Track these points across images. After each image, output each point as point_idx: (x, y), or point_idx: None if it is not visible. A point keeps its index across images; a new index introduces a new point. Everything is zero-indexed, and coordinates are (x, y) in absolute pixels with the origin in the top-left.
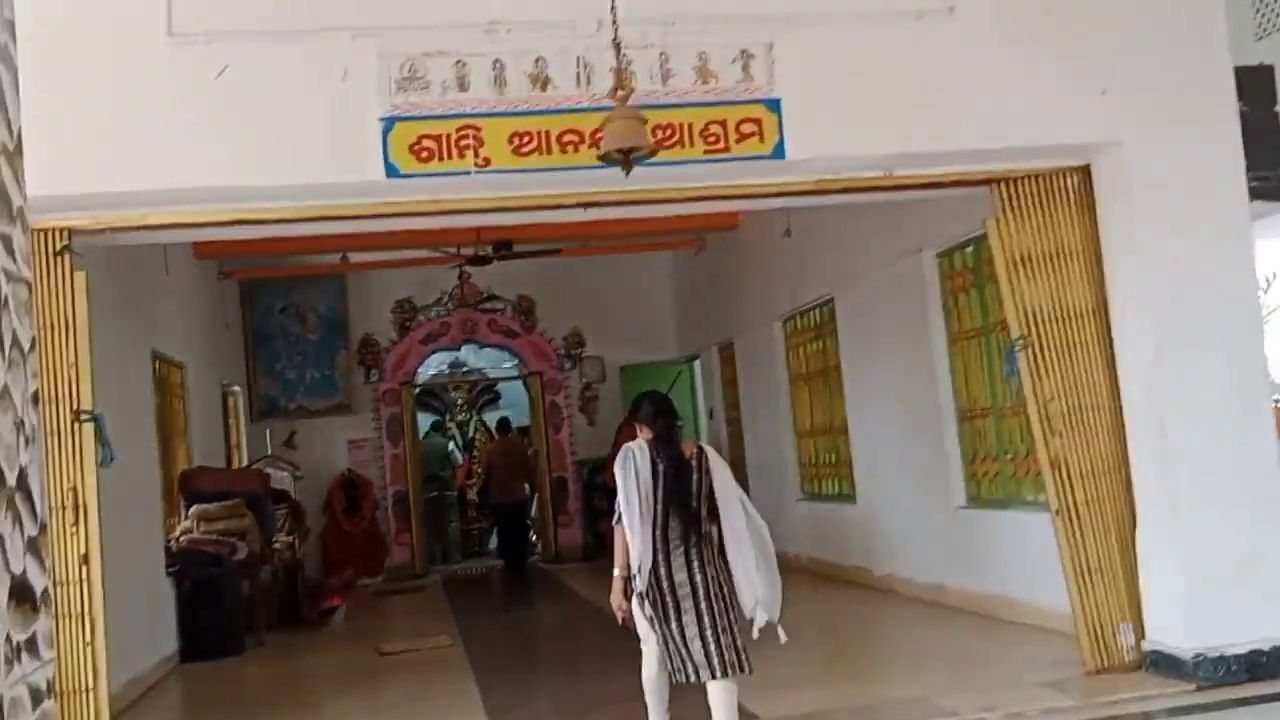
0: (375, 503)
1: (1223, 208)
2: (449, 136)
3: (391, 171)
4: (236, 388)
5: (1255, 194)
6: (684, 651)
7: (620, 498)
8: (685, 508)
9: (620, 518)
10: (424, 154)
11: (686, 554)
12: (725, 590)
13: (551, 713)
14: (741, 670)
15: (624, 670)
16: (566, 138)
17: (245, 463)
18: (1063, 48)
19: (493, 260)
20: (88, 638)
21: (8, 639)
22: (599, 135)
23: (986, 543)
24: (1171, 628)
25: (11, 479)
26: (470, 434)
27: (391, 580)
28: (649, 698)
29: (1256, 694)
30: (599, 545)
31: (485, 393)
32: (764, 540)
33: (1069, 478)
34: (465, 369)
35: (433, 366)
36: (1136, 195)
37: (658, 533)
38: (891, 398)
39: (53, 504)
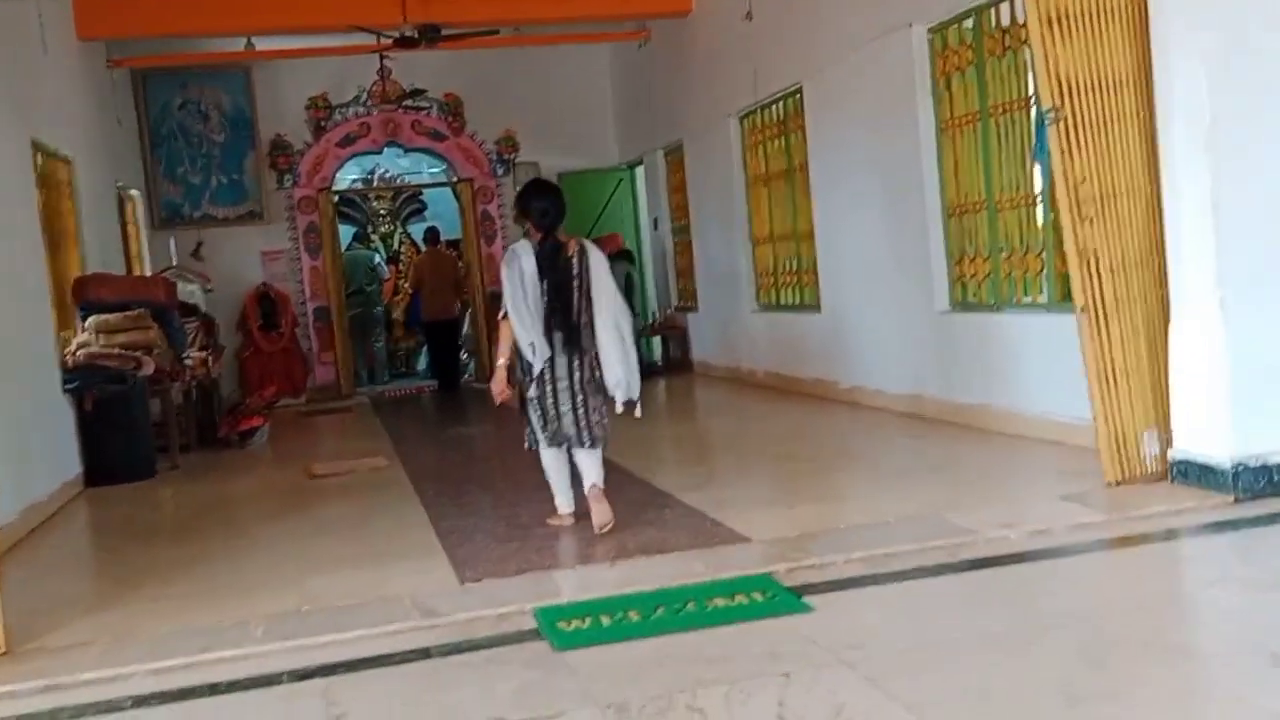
0: (295, 319)
1: None
2: None
3: None
4: (134, 191)
5: None
6: (557, 423)
7: (506, 296)
8: (566, 307)
9: (506, 313)
10: None
11: (567, 348)
12: (595, 376)
13: (506, 532)
14: (603, 444)
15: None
16: None
17: (147, 274)
18: None
19: (420, 45)
20: None
21: None
22: None
23: (972, 349)
24: (1207, 434)
25: None
26: (395, 247)
27: (316, 401)
28: (551, 478)
29: None
30: None
31: (410, 201)
32: (626, 332)
33: (1098, 271)
34: (388, 175)
35: (352, 172)
36: None
37: (544, 327)
38: (867, 196)
39: None
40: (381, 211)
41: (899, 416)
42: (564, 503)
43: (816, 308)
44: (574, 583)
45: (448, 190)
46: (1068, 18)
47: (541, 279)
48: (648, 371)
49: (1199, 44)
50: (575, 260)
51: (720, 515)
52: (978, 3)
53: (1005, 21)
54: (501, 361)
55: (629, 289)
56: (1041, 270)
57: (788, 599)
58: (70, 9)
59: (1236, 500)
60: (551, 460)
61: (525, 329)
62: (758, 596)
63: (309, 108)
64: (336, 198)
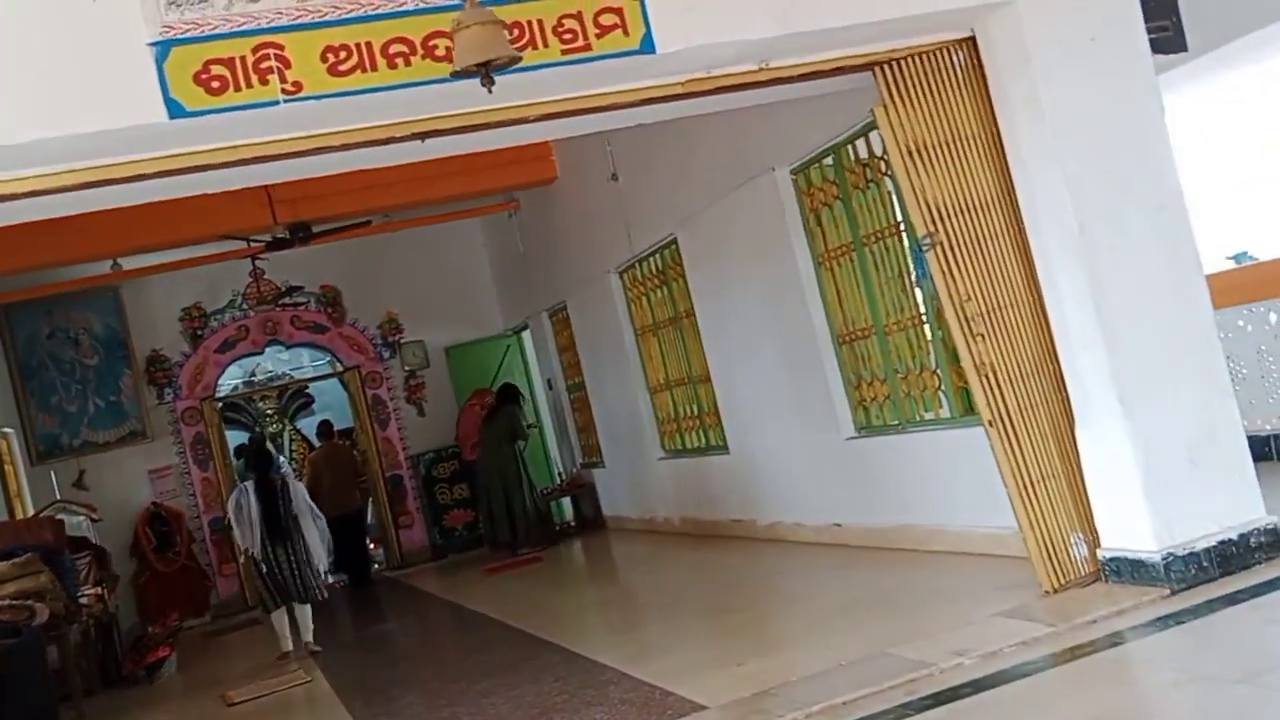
0: (190, 535)
1: (1124, 64)
2: (244, 60)
3: (175, 110)
4: (8, 429)
5: (1155, 47)
6: (280, 592)
7: (233, 526)
8: (276, 522)
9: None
10: (214, 84)
11: (279, 546)
12: (302, 557)
13: None
14: (313, 599)
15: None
16: (393, 49)
17: (30, 512)
18: None
19: (293, 244)
20: None
21: None
22: (434, 42)
23: (885, 472)
24: (1131, 530)
25: None
26: (286, 445)
27: (222, 618)
28: (277, 627)
29: (1235, 588)
30: (447, 540)
31: (296, 396)
32: (320, 528)
33: (998, 384)
34: (271, 374)
35: (234, 376)
36: (1030, 63)
37: (264, 536)
38: (757, 333)
39: None
40: (268, 411)
41: (823, 548)
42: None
43: (724, 448)
44: None
45: (334, 380)
46: (927, 149)
47: (261, 507)
48: (559, 533)
49: (1060, 169)
50: (279, 488)
51: (668, 684)
52: (834, 141)
53: (864, 155)
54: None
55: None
56: (939, 386)
57: None
58: None
59: (1173, 592)
60: (273, 616)
61: (250, 542)
62: None
63: (183, 318)
64: (220, 404)
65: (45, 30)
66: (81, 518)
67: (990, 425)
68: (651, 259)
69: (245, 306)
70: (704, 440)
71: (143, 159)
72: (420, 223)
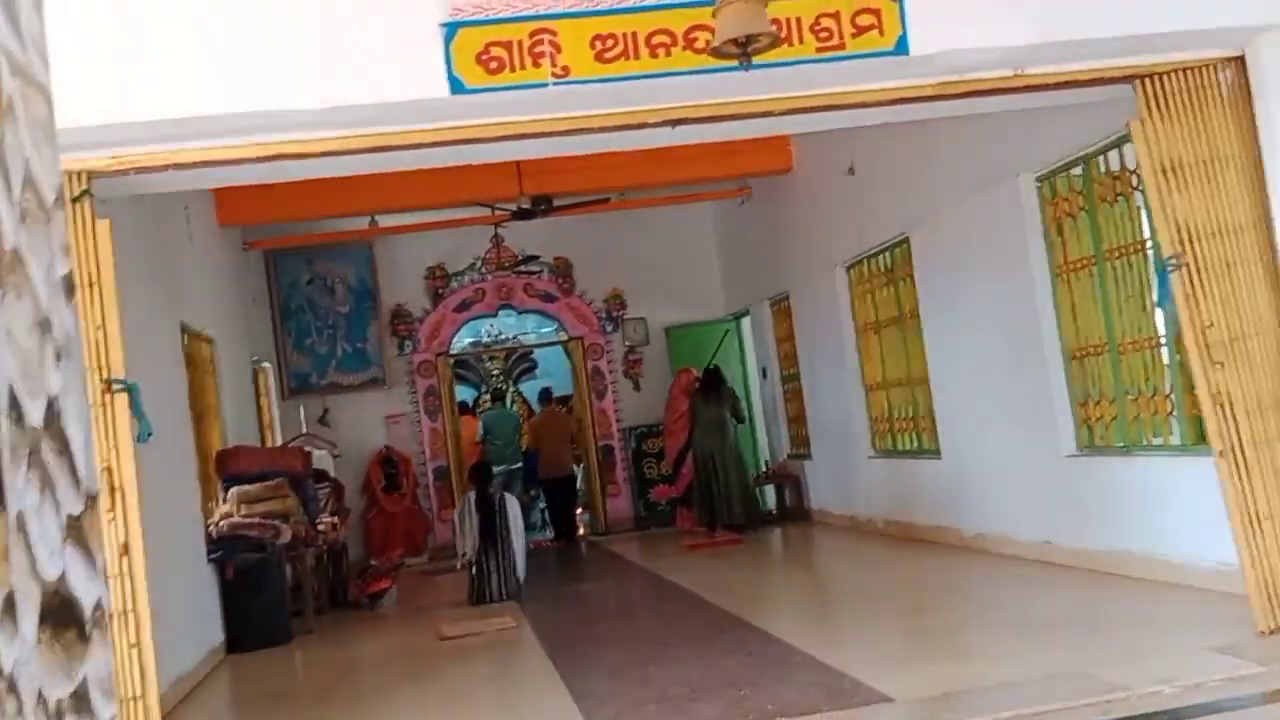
0: (415, 480)
1: None
2: (521, 43)
3: (456, 86)
4: (266, 364)
5: None
6: (482, 594)
7: (456, 531)
8: (492, 531)
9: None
10: (493, 64)
11: (491, 552)
12: (509, 563)
13: (640, 695)
14: (514, 598)
15: (710, 649)
16: (656, 39)
17: (279, 442)
18: None
19: (536, 215)
20: (133, 639)
21: (41, 699)
22: (694, 35)
23: (1104, 494)
24: None
25: (36, 415)
26: (509, 404)
27: (437, 559)
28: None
29: None
30: (650, 514)
31: (522, 361)
32: (522, 538)
33: (1233, 415)
34: (502, 336)
35: (468, 335)
36: None
37: (478, 541)
38: (980, 342)
39: None
40: (495, 371)
41: (1029, 564)
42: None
43: (936, 453)
44: None
45: (558, 348)
46: (1182, 167)
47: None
48: (761, 520)
49: None
50: (497, 502)
51: (858, 673)
52: (1085, 151)
53: (1115, 167)
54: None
55: (736, 411)
56: (1171, 412)
57: None
58: (212, 201)
59: None
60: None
61: (468, 538)
62: None
63: (427, 277)
64: (452, 361)
65: (354, 7)
66: (324, 451)
67: (1221, 456)
68: (881, 256)
69: (484, 270)
70: (916, 443)
71: (422, 129)
72: (655, 203)
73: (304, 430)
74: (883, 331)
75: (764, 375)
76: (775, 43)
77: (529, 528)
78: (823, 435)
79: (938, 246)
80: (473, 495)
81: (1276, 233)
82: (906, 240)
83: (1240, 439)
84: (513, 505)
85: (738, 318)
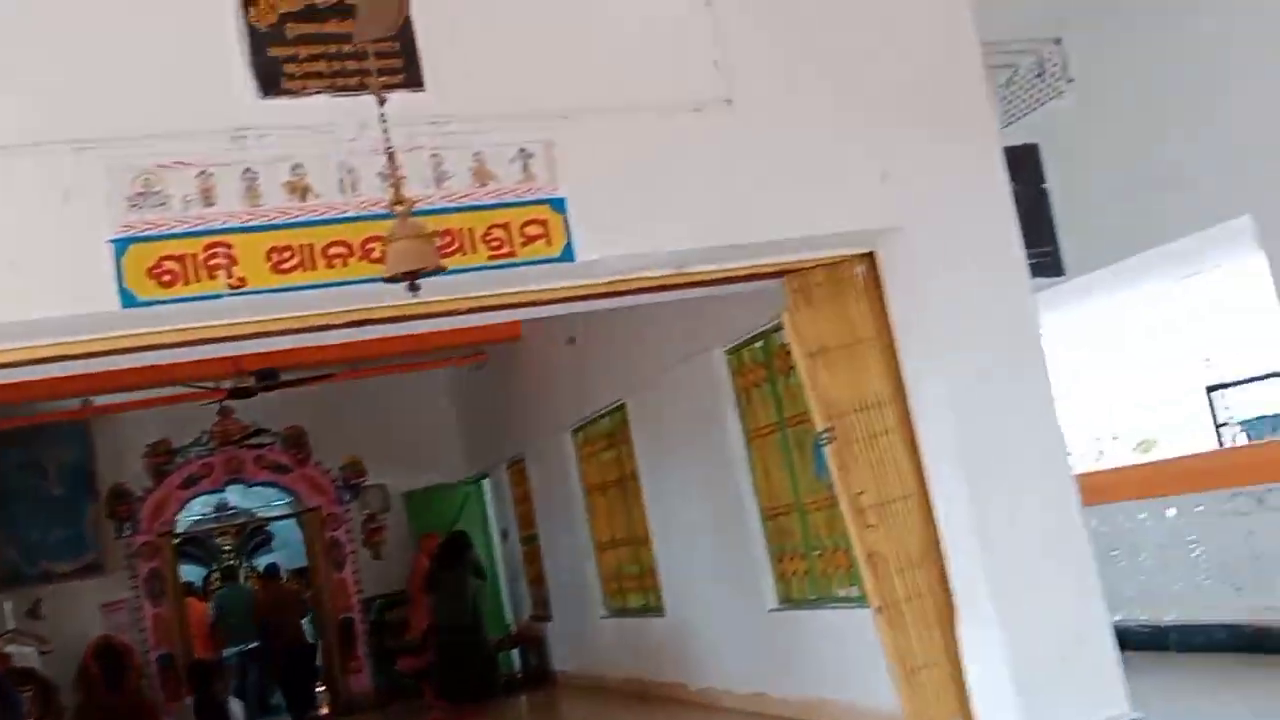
0: (140, 671)
1: (1006, 285)
2: (195, 257)
3: (128, 300)
4: None
5: (1034, 270)
6: None
7: None
8: None
9: None
10: (166, 278)
11: None
12: None
13: None
14: None
15: None
16: (333, 250)
17: None
18: (840, 135)
19: (256, 392)
20: None
21: None
22: (370, 245)
23: (803, 644)
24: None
25: None
26: (243, 581)
27: None
28: None
29: None
30: (395, 687)
31: (255, 534)
32: None
33: (887, 572)
34: (231, 511)
35: (195, 512)
36: (921, 278)
37: None
38: (693, 502)
39: None
40: (226, 548)
41: (747, 715)
42: None
43: (660, 610)
44: None
45: (294, 520)
46: (828, 350)
47: None
48: (505, 686)
49: (944, 376)
50: None
51: None
52: (765, 328)
53: (788, 342)
54: None
55: (479, 571)
56: (851, 566)
57: None
58: None
59: None
60: None
61: None
62: None
63: (148, 454)
64: (178, 539)
65: (21, 221)
66: (31, 649)
67: (879, 612)
68: (602, 421)
69: (211, 444)
70: (644, 601)
71: (96, 338)
72: (387, 371)
73: (8, 627)
74: (608, 493)
75: (505, 537)
76: (442, 270)
77: (270, 709)
78: (561, 596)
79: (650, 413)
80: (191, 702)
81: (911, 404)
82: (624, 407)
83: (895, 594)
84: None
85: (478, 480)
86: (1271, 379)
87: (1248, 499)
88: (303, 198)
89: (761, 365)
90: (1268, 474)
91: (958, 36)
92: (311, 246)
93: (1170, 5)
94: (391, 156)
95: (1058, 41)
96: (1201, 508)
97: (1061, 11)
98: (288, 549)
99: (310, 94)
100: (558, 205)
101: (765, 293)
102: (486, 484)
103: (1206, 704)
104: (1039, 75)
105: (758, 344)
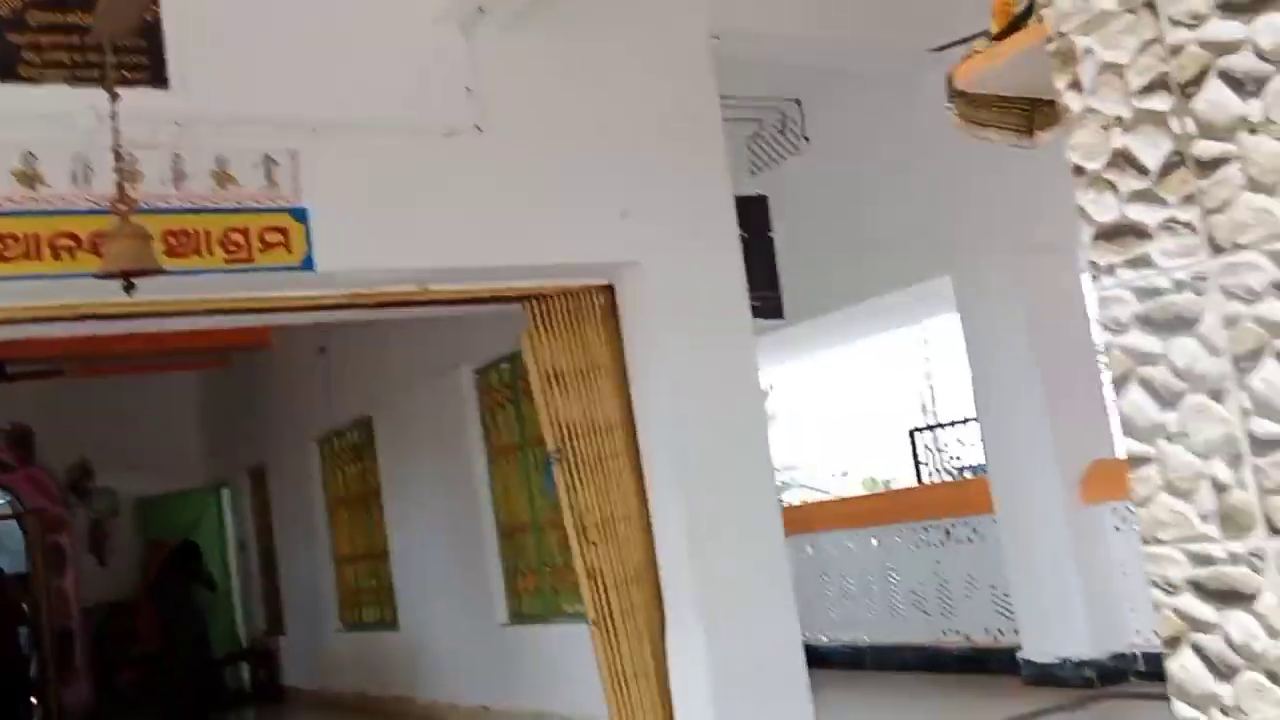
0: None
1: (730, 324)
2: None
3: None
4: None
5: (756, 312)
6: None
7: None
8: None
9: None
10: None
11: None
12: None
13: None
14: None
15: None
16: (61, 242)
17: None
18: (585, 171)
19: None
20: None
21: None
22: (100, 240)
23: (529, 658)
24: None
25: None
26: None
27: None
28: None
29: None
30: (118, 702)
31: None
32: None
33: (604, 587)
34: None
35: None
36: (654, 312)
37: None
38: (433, 518)
39: None
40: None
41: None
42: None
43: (394, 625)
44: None
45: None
46: (564, 374)
47: None
48: (230, 701)
49: (669, 405)
50: None
51: None
52: (513, 351)
53: None
54: None
55: (207, 581)
56: (577, 583)
57: None
58: None
59: None
60: None
61: None
62: None
63: None
64: None
65: None
66: None
67: (595, 625)
68: (349, 433)
69: None
70: (379, 615)
71: None
72: (127, 370)
73: None
74: (352, 506)
75: (243, 548)
76: (160, 273)
77: None
78: (296, 610)
79: (396, 427)
80: None
81: (639, 430)
82: (370, 420)
83: (611, 608)
84: None
85: (218, 488)
86: (969, 423)
87: (937, 531)
88: (31, 186)
89: (508, 386)
90: (953, 508)
91: (699, 89)
92: (38, 236)
93: (897, 79)
94: (118, 154)
95: (798, 102)
96: (899, 538)
97: (805, 74)
98: (9, 554)
99: (48, 83)
100: (299, 215)
101: (516, 316)
102: (226, 493)
103: (891, 718)
104: (781, 131)
105: (505, 365)
